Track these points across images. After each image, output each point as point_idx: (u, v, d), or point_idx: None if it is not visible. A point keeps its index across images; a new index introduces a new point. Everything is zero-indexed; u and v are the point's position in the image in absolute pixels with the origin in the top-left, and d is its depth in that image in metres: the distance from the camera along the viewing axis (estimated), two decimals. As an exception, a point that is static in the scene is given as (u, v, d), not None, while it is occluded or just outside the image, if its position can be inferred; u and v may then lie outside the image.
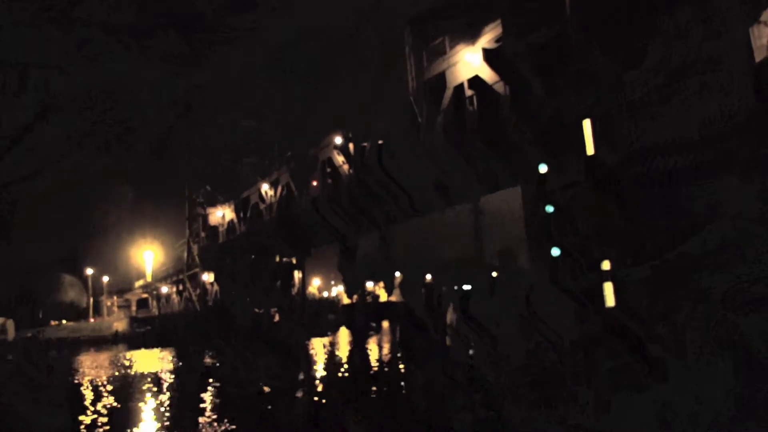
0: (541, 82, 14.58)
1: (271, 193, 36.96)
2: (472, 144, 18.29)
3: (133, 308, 67.17)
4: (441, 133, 19.90)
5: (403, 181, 22.56)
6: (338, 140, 27.80)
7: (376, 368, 19.59)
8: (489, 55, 17.95)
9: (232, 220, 44.39)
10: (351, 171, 26.71)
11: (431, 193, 22.81)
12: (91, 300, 63.09)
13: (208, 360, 26.40)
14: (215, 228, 47.35)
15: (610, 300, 10.76)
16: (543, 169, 12.88)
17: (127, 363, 30.77)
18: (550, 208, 12.48)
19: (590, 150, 11.60)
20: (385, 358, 22.20)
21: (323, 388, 15.19)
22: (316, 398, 13.80)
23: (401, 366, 18.13)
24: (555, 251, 12.10)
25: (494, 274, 19.15)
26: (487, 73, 18.13)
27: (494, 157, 17.55)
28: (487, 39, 18.36)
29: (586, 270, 11.35)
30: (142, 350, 38.71)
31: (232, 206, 44.12)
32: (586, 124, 11.67)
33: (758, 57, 10.09)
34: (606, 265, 10.93)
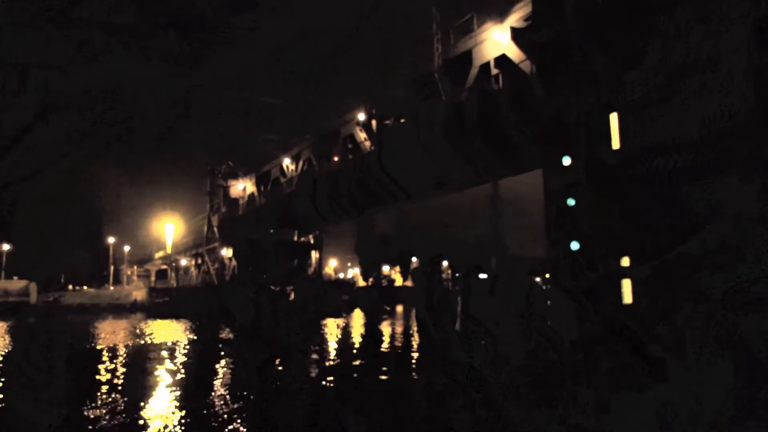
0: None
1: (292, 167, 37.01)
2: (498, 129, 17.78)
3: (153, 278, 68.36)
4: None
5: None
6: (361, 116, 27.86)
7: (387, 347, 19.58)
8: (517, 34, 17.82)
9: (252, 193, 44.38)
10: (372, 148, 26.67)
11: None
12: (112, 268, 63.95)
13: (223, 335, 26.66)
14: (235, 200, 47.37)
15: (627, 297, 10.73)
16: (566, 161, 12.67)
17: (143, 331, 31.28)
18: (571, 201, 12.32)
19: (616, 144, 11.42)
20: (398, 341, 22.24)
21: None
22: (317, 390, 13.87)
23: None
24: (575, 245, 11.89)
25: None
26: (514, 52, 17.94)
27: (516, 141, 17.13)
28: (515, 18, 18.20)
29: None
30: (159, 320, 39.43)
31: (254, 179, 44.11)
32: (613, 118, 11.48)
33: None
34: (626, 262, 10.90)
